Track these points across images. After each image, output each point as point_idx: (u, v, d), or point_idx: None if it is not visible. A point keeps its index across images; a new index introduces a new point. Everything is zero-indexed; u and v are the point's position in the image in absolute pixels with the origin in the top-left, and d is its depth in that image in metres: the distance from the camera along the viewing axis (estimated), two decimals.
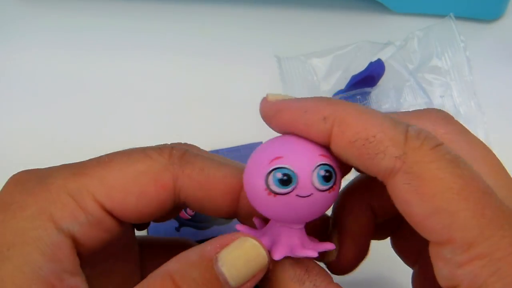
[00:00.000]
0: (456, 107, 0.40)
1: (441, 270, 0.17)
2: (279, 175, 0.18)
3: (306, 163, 0.18)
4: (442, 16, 0.43)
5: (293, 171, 0.18)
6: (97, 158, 0.20)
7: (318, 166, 0.18)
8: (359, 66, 0.41)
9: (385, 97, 0.39)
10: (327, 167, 0.18)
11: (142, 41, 0.47)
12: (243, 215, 0.21)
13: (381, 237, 0.25)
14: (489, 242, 0.16)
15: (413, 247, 0.24)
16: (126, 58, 0.46)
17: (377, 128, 0.17)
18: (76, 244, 0.19)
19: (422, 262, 0.23)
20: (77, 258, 0.19)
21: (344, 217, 0.22)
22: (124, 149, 0.21)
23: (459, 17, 0.43)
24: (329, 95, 0.41)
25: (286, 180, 0.18)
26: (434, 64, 0.42)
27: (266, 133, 0.21)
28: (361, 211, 0.22)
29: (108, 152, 0.21)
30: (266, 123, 0.20)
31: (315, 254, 0.19)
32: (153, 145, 0.21)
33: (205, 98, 0.43)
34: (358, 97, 0.39)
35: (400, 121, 0.18)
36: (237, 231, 0.19)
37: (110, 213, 0.19)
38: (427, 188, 0.16)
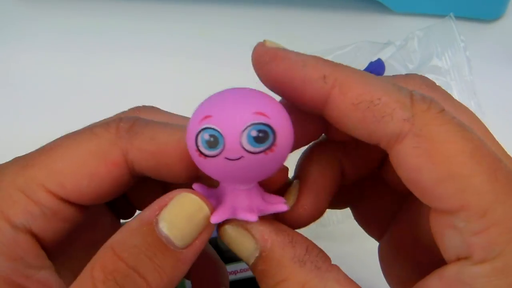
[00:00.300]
0: None
1: (451, 240, 0.16)
2: (206, 136, 0.16)
3: (235, 123, 0.16)
4: (442, 16, 0.43)
5: (219, 132, 0.16)
6: (44, 146, 0.19)
7: (249, 126, 0.16)
8: (359, 66, 0.41)
9: None
10: (261, 127, 0.16)
11: (142, 42, 0.47)
12: (206, 177, 0.19)
13: (340, 206, 0.24)
14: (505, 208, 0.15)
15: (379, 218, 0.23)
16: (126, 59, 0.46)
17: (382, 91, 0.16)
18: (37, 238, 0.18)
19: (393, 233, 0.22)
20: (42, 251, 0.18)
21: (310, 167, 0.21)
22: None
23: (459, 17, 0.43)
24: None
25: (213, 142, 0.16)
26: (434, 64, 0.42)
27: None
28: (330, 163, 0.21)
29: None
30: (256, 72, 0.18)
31: (254, 219, 0.17)
32: None
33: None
34: None
35: (402, 87, 0.17)
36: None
37: (66, 201, 0.18)
38: (439, 151, 0.15)
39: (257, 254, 0.18)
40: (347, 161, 0.21)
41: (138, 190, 0.22)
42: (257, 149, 0.16)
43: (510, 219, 0.15)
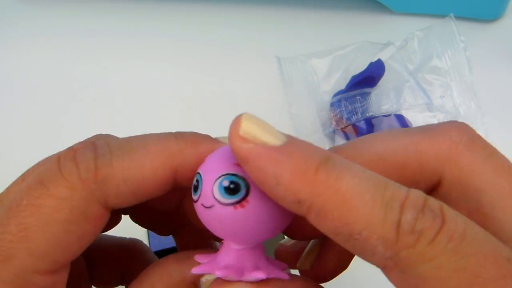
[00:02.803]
0: (456, 107, 0.40)
1: None
2: (194, 180, 0.17)
3: (212, 171, 0.16)
4: (442, 16, 0.43)
5: (201, 177, 0.16)
6: (12, 224, 0.17)
7: (223, 175, 0.16)
8: (359, 66, 0.41)
9: (385, 97, 0.39)
10: (233, 178, 0.16)
11: (142, 42, 0.46)
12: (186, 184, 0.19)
13: None
14: None
15: None
16: (127, 59, 0.46)
17: (363, 223, 0.14)
18: None
19: None
20: None
21: None
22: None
23: (459, 17, 0.43)
24: (329, 95, 0.41)
25: (196, 186, 0.17)
26: (434, 65, 0.42)
27: None
28: None
29: None
30: None
31: (263, 276, 0.17)
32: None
33: (205, 99, 0.43)
34: (358, 97, 0.39)
35: (393, 203, 0.15)
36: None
37: (62, 266, 0.18)
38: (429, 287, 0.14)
39: None
40: None
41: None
42: (228, 201, 0.16)
43: None
